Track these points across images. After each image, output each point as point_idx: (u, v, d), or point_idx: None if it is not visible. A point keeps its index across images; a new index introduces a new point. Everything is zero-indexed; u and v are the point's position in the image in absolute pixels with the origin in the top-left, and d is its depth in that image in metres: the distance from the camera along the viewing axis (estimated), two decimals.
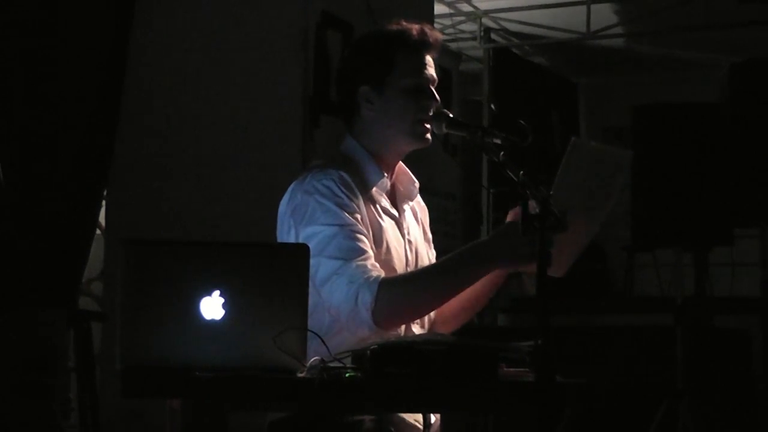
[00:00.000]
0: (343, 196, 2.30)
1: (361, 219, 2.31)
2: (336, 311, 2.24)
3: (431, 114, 2.38)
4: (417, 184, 2.50)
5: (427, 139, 2.40)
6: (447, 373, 1.92)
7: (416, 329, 2.41)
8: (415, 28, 2.41)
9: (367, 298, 2.20)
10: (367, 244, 2.28)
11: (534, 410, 1.86)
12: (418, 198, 2.57)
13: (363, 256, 2.25)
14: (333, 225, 2.27)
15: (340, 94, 2.49)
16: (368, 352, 1.92)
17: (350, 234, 2.27)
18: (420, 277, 2.30)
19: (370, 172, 2.41)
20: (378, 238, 2.35)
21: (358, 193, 2.34)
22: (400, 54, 2.39)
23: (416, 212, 2.55)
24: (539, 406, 1.85)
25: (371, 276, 2.22)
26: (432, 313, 2.46)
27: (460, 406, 2.08)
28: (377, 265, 2.27)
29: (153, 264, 1.85)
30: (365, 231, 2.30)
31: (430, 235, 2.58)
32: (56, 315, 3.75)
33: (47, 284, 3.76)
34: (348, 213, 2.29)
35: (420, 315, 2.35)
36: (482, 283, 2.36)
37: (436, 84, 2.41)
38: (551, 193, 2.06)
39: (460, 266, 2.27)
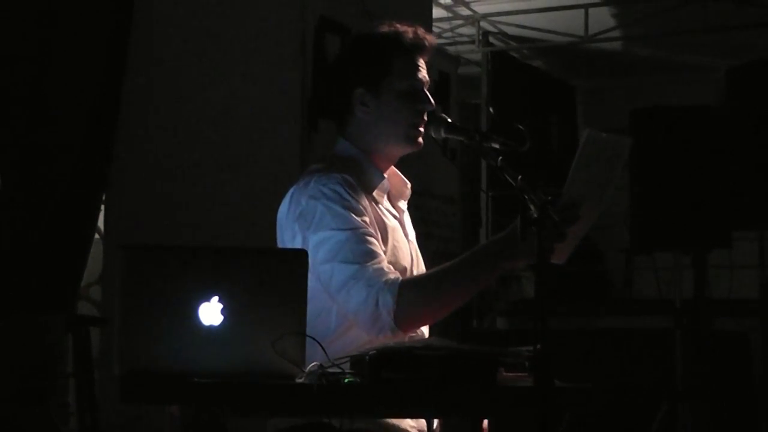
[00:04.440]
0: (350, 199, 2.28)
1: (369, 221, 2.30)
2: (354, 316, 2.22)
3: (426, 117, 2.38)
4: (409, 185, 2.51)
5: (420, 142, 2.41)
6: (446, 379, 1.92)
7: (424, 329, 2.40)
8: (409, 30, 2.41)
9: (388, 301, 2.18)
10: (378, 246, 2.27)
11: (533, 415, 1.86)
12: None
13: (377, 259, 2.24)
14: (344, 229, 2.25)
15: (333, 96, 2.48)
16: (367, 357, 1.92)
17: (362, 237, 2.25)
18: (439, 277, 2.27)
19: (372, 174, 2.41)
20: (384, 238, 2.34)
21: (363, 195, 2.34)
22: (396, 57, 2.38)
23: (409, 213, 2.56)
24: (538, 411, 1.85)
25: (389, 279, 2.20)
26: None
27: (459, 412, 2.08)
28: (392, 267, 2.26)
29: (151, 269, 1.85)
30: (375, 233, 2.29)
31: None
32: (55, 320, 3.75)
33: (46, 289, 3.76)
34: (357, 216, 2.27)
35: (440, 316, 2.33)
36: None
37: (429, 87, 2.42)
38: (566, 186, 2.07)
39: (479, 265, 2.26)
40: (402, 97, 2.38)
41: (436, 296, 2.24)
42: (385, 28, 2.42)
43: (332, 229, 2.25)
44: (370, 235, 2.26)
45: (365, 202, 2.33)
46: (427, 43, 2.41)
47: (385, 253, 2.30)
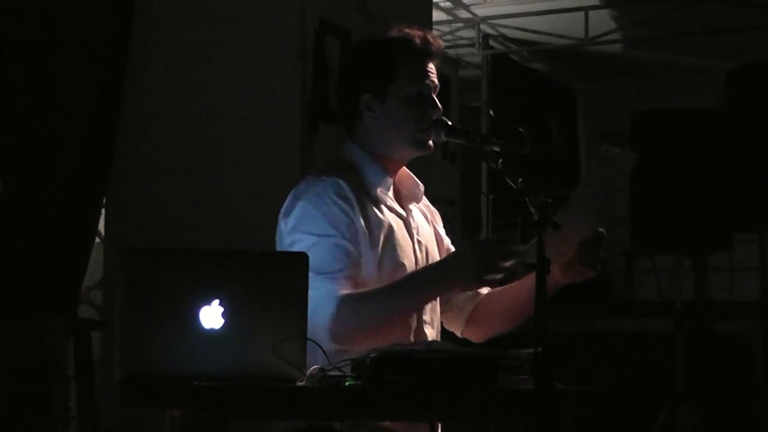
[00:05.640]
0: (330, 203, 2.30)
1: (350, 226, 2.31)
2: None
3: (431, 121, 2.38)
4: (422, 187, 2.51)
5: (429, 146, 2.40)
6: (447, 382, 1.92)
7: (429, 331, 2.41)
8: (417, 35, 2.40)
9: (326, 313, 2.20)
10: (346, 257, 2.28)
11: (534, 418, 1.86)
12: (428, 202, 2.58)
13: (334, 270, 2.25)
14: (313, 234, 2.28)
15: (341, 101, 2.49)
16: (368, 360, 1.92)
17: (328, 246, 2.27)
18: (377, 295, 2.28)
19: (372, 174, 2.41)
20: (381, 237, 2.34)
21: (354, 199, 2.34)
22: (403, 62, 2.38)
23: (426, 215, 2.55)
24: (539, 414, 1.85)
25: (333, 291, 2.22)
26: (440, 316, 2.47)
27: (460, 415, 2.08)
28: (350, 279, 2.27)
29: (152, 273, 1.85)
30: (347, 244, 2.29)
31: (447, 240, 2.58)
32: (55, 323, 3.75)
33: (46, 292, 3.75)
34: (332, 223, 2.29)
35: (377, 333, 2.30)
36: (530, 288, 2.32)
37: (437, 91, 2.42)
38: (570, 199, 2.09)
39: (414, 287, 2.29)
40: (409, 102, 2.38)
41: (371, 314, 2.25)
42: (394, 33, 2.42)
43: (302, 233, 2.29)
44: (339, 245, 2.27)
45: (354, 207, 2.33)
46: (434, 48, 2.40)
47: (379, 253, 2.31)
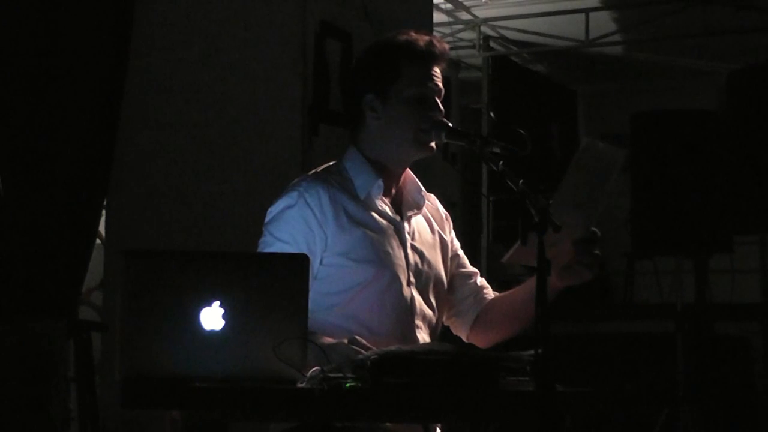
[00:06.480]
0: (296, 210, 2.35)
1: (310, 238, 2.34)
2: None
3: (432, 123, 2.38)
4: (423, 192, 2.51)
5: (431, 147, 2.41)
6: (448, 383, 1.92)
7: (424, 336, 2.41)
8: (422, 38, 2.42)
9: None
10: None
11: (535, 419, 1.86)
12: (440, 208, 2.58)
13: None
14: (273, 237, 2.37)
15: (345, 103, 2.50)
16: (368, 361, 1.92)
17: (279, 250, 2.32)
18: None
19: (361, 178, 2.42)
20: (363, 242, 2.36)
21: (326, 209, 2.36)
22: (406, 64, 2.40)
23: (432, 221, 2.55)
24: (540, 415, 1.85)
25: None
26: (435, 320, 2.47)
27: (460, 416, 2.08)
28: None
29: (153, 274, 1.85)
30: (302, 248, 2.32)
31: (456, 244, 2.58)
32: (56, 325, 3.75)
33: (47, 294, 3.76)
34: (291, 230, 2.34)
35: None
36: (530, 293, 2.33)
37: (441, 95, 2.42)
38: (556, 192, 2.08)
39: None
40: (410, 103, 2.39)
41: None
42: (398, 36, 2.44)
43: (269, 231, 2.38)
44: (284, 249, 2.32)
45: (327, 211, 2.35)
46: (438, 51, 2.41)
47: (358, 257, 2.34)
